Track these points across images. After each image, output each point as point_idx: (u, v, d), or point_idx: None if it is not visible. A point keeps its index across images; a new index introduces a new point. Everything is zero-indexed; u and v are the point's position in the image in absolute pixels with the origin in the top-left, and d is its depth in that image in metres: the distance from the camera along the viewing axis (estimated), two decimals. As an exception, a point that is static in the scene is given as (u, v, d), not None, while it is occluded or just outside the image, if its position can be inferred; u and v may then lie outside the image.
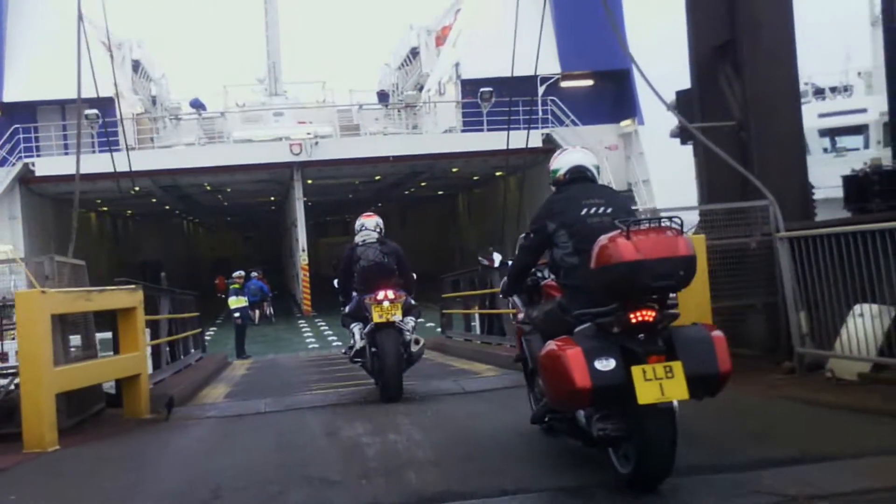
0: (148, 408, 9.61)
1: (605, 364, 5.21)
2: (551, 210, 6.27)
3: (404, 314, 10.23)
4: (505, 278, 7.09)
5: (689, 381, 5.20)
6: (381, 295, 10.07)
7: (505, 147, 39.19)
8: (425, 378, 12.10)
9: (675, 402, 5.25)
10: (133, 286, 9.79)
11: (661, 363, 5.21)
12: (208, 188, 42.86)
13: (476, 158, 39.40)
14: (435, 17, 51.92)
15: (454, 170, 42.33)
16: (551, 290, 6.46)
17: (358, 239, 10.71)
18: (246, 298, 24.18)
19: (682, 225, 5.38)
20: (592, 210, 6.10)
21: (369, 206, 66.43)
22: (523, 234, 6.56)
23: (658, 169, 38.09)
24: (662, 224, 5.36)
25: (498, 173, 46.40)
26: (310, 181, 42.47)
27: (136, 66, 50.25)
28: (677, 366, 5.20)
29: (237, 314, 23.64)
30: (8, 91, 35.56)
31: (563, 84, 38.41)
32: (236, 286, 24.13)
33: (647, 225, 5.35)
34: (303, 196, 39.35)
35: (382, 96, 44.78)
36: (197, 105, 40.37)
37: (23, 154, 34.87)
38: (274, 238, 71.00)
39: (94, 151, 35.71)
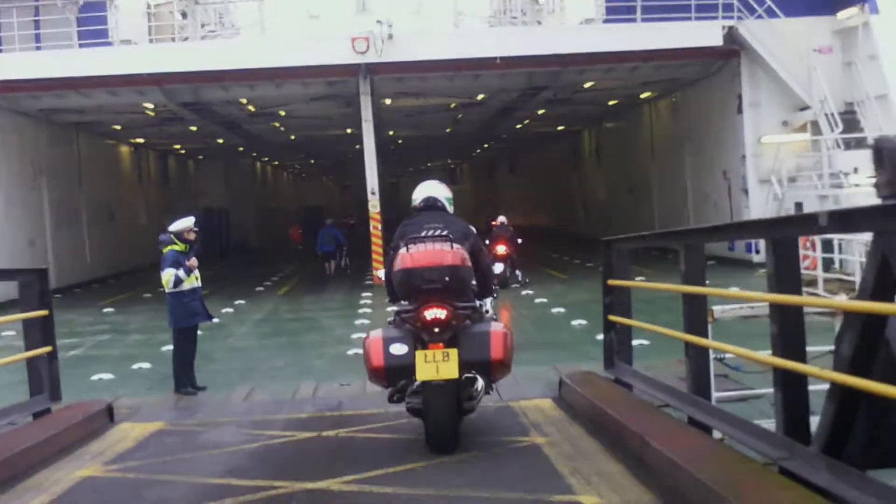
0: None
1: (399, 349, 7.16)
2: (401, 232, 7.82)
3: None
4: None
5: (465, 365, 7.14)
6: None
7: (662, 47, 27.25)
8: None
9: (480, 385, 7.46)
10: None
11: (441, 349, 7.06)
12: (251, 109, 31.76)
13: (623, 65, 27.25)
14: None
15: (587, 84, 30.21)
16: None
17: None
18: (195, 275, 11.93)
19: (453, 239, 7.42)
20: (430, 232, 7.61)
21: (472, 144, 54.89)
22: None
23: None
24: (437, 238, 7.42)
25: (644, 94, 34.11)
26: (387, 101, 31.06)
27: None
28: (453, 352, 7.07)
29: (173, 304, 11.86)
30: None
31: (756, -46, 25.73)
32: (176, 248, 12.15)
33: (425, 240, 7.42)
34: (377, 124, 28.09)
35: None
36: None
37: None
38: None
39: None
